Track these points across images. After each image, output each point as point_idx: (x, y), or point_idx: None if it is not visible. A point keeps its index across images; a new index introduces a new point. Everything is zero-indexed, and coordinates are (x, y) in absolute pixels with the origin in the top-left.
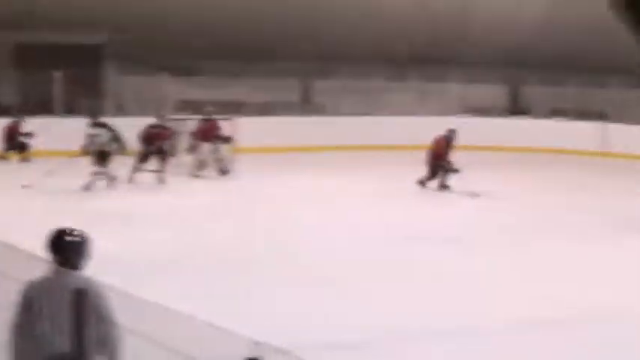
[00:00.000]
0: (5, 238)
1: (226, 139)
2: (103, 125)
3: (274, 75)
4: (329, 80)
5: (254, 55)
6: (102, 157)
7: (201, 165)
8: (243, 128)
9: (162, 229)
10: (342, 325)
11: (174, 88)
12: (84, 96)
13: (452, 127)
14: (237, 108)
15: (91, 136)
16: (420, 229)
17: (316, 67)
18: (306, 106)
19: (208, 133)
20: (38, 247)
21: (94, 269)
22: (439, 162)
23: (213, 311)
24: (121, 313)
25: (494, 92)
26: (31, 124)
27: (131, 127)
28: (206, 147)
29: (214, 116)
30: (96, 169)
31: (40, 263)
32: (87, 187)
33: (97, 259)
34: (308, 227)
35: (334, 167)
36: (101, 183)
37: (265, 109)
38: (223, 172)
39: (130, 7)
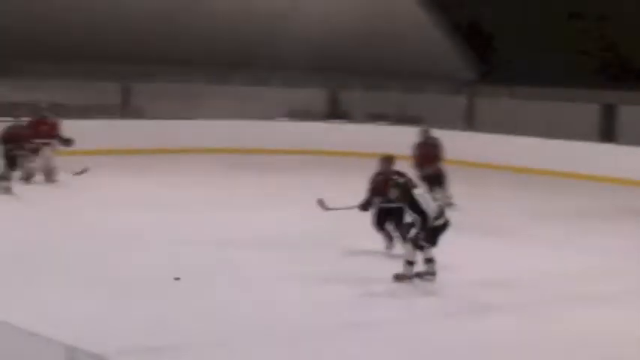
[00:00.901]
0: None
1: (67, 141)
2: None
3: (93, 77)
4: (149, 83)
5: (70, 55)
6: None
7: (30, 173)
8: (63, 131)
9: None
10: (157, 329)
11: None
12: None
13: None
14: (55, 110)
15: None
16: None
17: (136, 69)
18: (126, 109)
19: (50, 135)
20: None
21: None
22: None
23: (24, 317)
24: None
25: (315, 96)
26: None
27: None
28: (47, 151)
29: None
30: None
31: None
32: None
33: None
34: (120, 230)
35: (153, 170)
36: None
37: (85, 112)
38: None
39: None
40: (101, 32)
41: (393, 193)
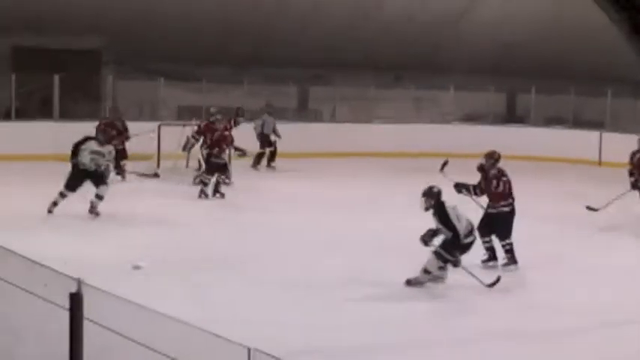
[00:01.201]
0: None
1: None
2: None
3: (271, 81)
4: (325, 87)
5: (250, 61)
6: None
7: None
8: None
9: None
10: (331, 332)
11: (171, 93)
12: (81, 100)
13: None
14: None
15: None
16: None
17: (313, 73)
18: (303, 112)
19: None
20: None
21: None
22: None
23: (205, 316)
24: (116, 319)
25: (491, 99)
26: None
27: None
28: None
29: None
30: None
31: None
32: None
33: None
34: (297, 232)
35: (330, 174)
36: None
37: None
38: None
39: (128, 13)
40: (278, 37)
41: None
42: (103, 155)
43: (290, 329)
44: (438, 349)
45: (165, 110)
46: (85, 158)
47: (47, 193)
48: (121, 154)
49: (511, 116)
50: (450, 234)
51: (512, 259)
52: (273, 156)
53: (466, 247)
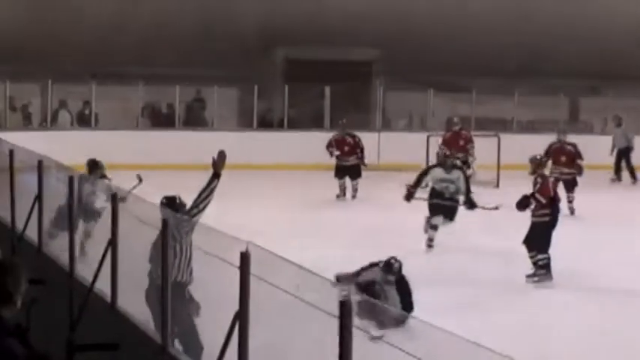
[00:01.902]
0: None
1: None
2: None
3: (542, 92)
4: (597, 98)
5: (522, 72)
6: None
7: None
8: (508, 145)
9: None
10: None
11: (441, 104)
12: (352, 111)
13: None
14: (502, 125)
15: None
16: None
17: (587, 85)
18: (574, 124)
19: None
20: None
21: None
22: None
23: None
24: None
25: None
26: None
27: (398, 142)
28: None
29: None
30: None
31: None
32: None
33: None
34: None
35: (600, 187)
36: None
37: (530, 127)
38: None
39: (401, 25)
40: (551, 47)
41: None
42: (452, 182)
43: None
44: None
45: (435, 121)
46: (437, 185)
47: (320, 201)
48: (355, 170)
49: None
50: None
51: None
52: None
53: None
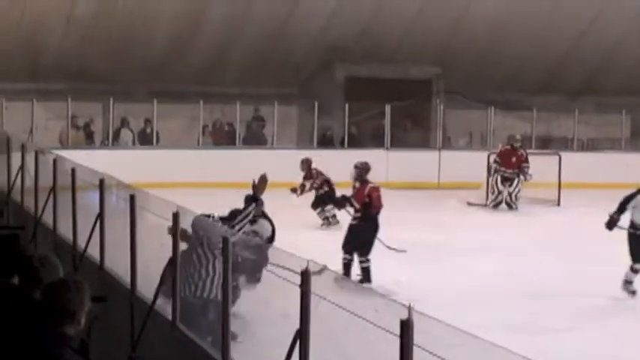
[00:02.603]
0: None
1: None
2: None
3: (603, 110)
4: None
5: (582, 90)
6: None
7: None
8: (569, 163)
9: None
10: None
11: (501, 122)
12: (412, 129)
13: None
14: (562, 143)
15: None
16: None
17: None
18: (635, 141)
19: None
20: None
21: None
22: None
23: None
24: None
25: None
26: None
27: (458, 161)
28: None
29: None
30: None
31: None
32: None
33: None
34: None
35: None
36: None
37: (591, 145)
38: (508, 205)
39: (462, 44)
40: (612, 66)
41: None
42: None
43: None
44: None
45: (496, 139)
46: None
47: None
48: None
49: None
50: None
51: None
52: None
53: None
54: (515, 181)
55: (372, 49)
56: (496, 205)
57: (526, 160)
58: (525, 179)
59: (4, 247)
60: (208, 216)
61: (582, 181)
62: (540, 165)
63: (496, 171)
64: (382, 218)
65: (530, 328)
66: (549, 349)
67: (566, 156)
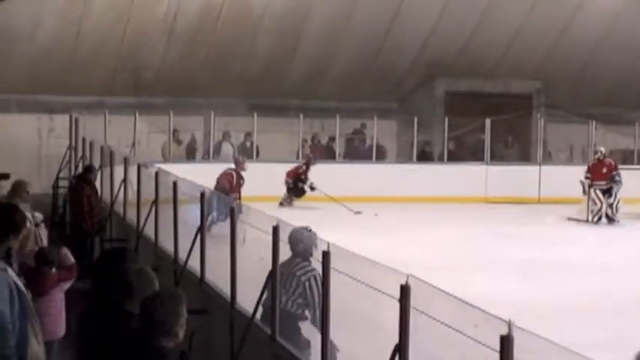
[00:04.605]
0: None
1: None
2: None
3: None
4: None
5: None
6: None
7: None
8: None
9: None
10: None
11: (603, 136)
12: (512, 144)
13: None
14: None
15: None
16: None
17: None
18: None
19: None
20: None
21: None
22: None
23: None
24: None
25: None
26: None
27: (559, 175)
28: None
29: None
30: None
31: None
32: None
33: None
34: None
35: None
36: None
37: None
38: (609, 218)
39: (563, 57)
40: None
41: None
42: None
43: None
44: None
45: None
46: None
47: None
48: None
49: None
50: None
51: None
52: None
53: None
54: (614, 191)
55: (471, 63)
56: (598, 220)
57: (616, 168)
58: (617, 186)
59: (110, 260)
60: (305, 229)
61: None
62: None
63: (590, 186)
64: (482, 232)
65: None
66: None
67: None
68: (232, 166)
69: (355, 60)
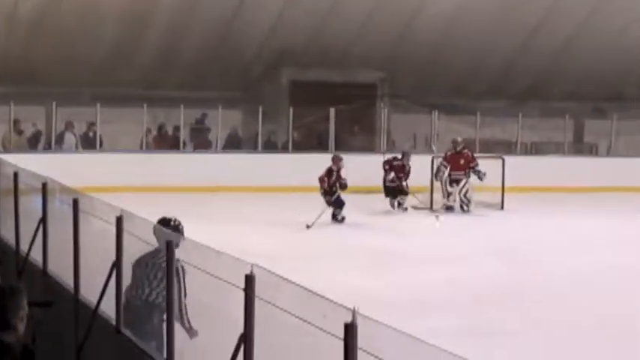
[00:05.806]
0: None
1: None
2: None
3: (547, 114)
4: (602, 121)
5: (528, 95)
6: None
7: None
8: (513, 167)
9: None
10: None
11: (446, 126)
12: (357, 133)
13: None
14: (507, 147)
15: None
16: None
17: (589, 106)
18: (578, 146)
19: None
20: None
21: None
22: None
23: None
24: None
25: None
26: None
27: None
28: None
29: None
30: None
31: None
32: None
33: None
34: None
35: (603, 209)
36: None
37: (534, 149)
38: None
39: (406, 48)
40: (559, 72)
41: None
42: None
43: None
44: None
45: (440, 143)
46: None
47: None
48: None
49: None
50: None
51: None
52: None
53: None
54: (463, 181)
55: (316, 53)
56: (448, 208)
57: (473, 159)
58: (480, 178)
59: None
60: (170, 219)
61: (526, 184)
62: (484, 168)
63: (444, 173)
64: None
65: (477, 332)
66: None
67: (510, 160)
68: None
69: (201, 49)
